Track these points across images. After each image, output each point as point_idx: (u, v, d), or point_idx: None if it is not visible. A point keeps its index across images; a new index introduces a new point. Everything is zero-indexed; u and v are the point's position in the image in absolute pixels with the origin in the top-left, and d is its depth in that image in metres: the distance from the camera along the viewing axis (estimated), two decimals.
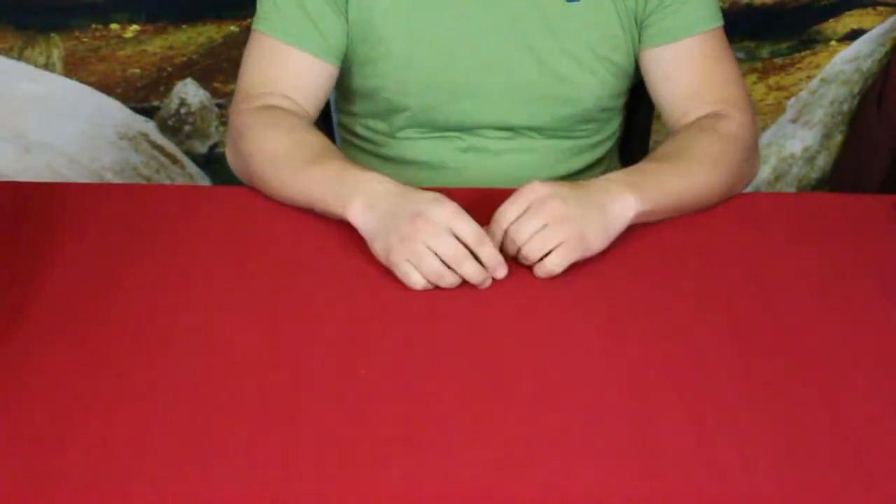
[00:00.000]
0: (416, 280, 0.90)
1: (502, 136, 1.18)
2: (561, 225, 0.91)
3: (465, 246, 0.89)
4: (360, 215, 0.93)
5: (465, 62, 1.12)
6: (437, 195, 0.91)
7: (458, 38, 1.11)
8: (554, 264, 0.91)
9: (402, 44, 1.11)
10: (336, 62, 1.12)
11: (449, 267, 0.90)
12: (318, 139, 1.03)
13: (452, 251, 0.89)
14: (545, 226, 0.91)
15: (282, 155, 1.01)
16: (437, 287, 0.91)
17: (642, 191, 0.96)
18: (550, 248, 0.91)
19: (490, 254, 0.90)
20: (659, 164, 1.01)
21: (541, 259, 0.92)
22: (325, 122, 1.35)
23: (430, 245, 0.88)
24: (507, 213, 0.92)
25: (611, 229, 0.94)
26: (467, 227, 0.89)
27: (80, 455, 0.74)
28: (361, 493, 0.72)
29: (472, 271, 0.90)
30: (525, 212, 0.92)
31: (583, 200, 0.92)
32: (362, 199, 0.93)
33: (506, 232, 0.93)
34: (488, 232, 0.92)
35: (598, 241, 0.93)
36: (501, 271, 0.91)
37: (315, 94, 1.11)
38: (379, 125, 1.20)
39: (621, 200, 0.94)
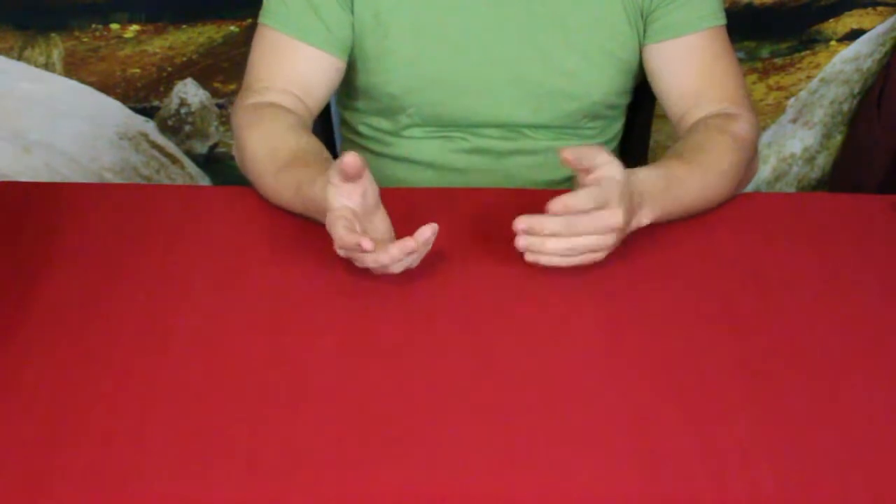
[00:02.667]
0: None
1: (507, 135, 1.17)
2: (604, 251, 0.90)
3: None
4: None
5: (471, 58, 1.11)
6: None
7: (465, 33, 1.11)
8: (560, 262, 0.89)
9: (408, 39, 1.11)
10: (342, 56, 1.11)
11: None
12: (294, 141, 1.02)
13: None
14: (596, 247, 0.89)
15: (259, 160, 1.02)
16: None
17: (659, 204, 0.95)
18: (585, 257, 0.90)
19: (347, 240, 0.85)
20: (686, 169, 0.99)
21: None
22: (325, 121, 1.35)
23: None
24: (581, 200, 0.87)
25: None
26: (337, 236, 0.86)
27: (80, 455, 0.74)
28: (361, 493, 0.72)
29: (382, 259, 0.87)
30: (593, 210, 0.87)
31: (629, 220, 0.90)
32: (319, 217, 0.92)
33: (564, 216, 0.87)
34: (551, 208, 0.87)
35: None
36: (367, 243, 0.84)
37: (319, 89, 1.11)
38: (383, 123, 1.19)
39: (641, 215, 0.93)
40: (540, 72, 1.12)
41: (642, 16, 1.12)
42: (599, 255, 0.91)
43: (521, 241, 0.88)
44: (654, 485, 0.73)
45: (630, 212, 0.90)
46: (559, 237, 0.88)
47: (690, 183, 0.99)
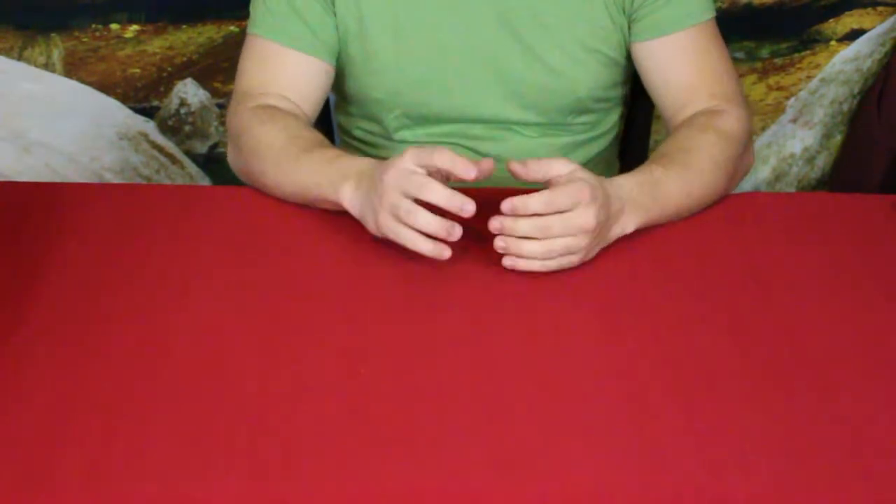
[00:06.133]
0: (415, 238, 0.88)
1: (496, 132, 1.17)
2: (581, 252, 0.90)
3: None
4: (349, 198, 0.94)
5: (453, 57, 1.12)
6: (404, 152, 0.89)
7: (447, 32, 1.11)
8: (540, 267, 0.91)
9: (389, 42, 1.11)
10: (330, 60, 1.12)
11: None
12: (312, 134, 1.04)
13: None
14: (573, 248, 0.90)
15: (277, 148, 1.02)
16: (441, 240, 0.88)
17: (644, 212, 0.96)
18: (564, 259, 0.91)
19: (446, 194, 0.86)
20: (667, 172, 0.99)
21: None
22: (325, 124, 1.35)
23: (406, 194, 0.87)
24: (560, 198, 0.88)
25: (606, 244, 0.95)
26: (413, 181, 0.87)
27: (80, 455, 0.74)
28: (361, 493, 0.72)
29: (425, 221, 0.87)
30: (570, 211, 0.88)
31: (603, 227, 0.92)
32: (351, 181, 0.94)
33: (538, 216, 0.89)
34: (523, 205, 0.88)
35: (592, 255, 0.94)
36: (470, 206, 0.86)
37: (312, 94, 1.12)
38: (374, 126, 1.20)
39: (623, 222, 0.95)
40: (523, 69, 1.12)
41: (624, 12, 1.12)
42: (575, 259, 0.91)
43: (499, 242, 0.90)
44: (654, 484, 0.73)
45: (606, 214, 0.91)
46: (535, 240, 0.89)
47: (672, 185, 0.99)
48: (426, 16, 1.11)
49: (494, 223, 0.89)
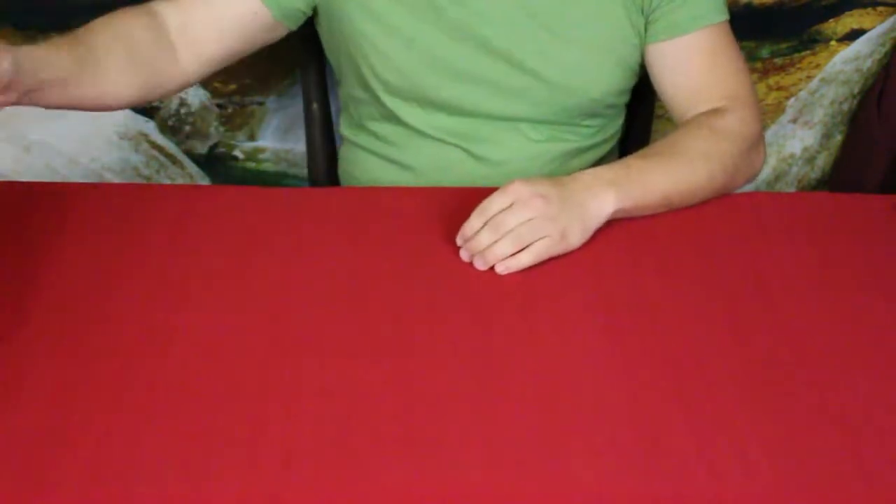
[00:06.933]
0: None
1: (503, 135, 1.17)
2: (545, 221, 0.93)
3: None
4: None
5: (468, 46, 1.11)
6: None
7: (463, 22, 1.11)
8: (529, 257, 0.93)
9: (405, 21, 1.11)
10: (277, 15, 1.11)
11: None
12: (102, 23, 1.09)
13: None
14: (531, 219, 0.93)
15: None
16: None
17: (622, 188, 0.98)
18: (536, 238, 0.93)
19: None
20: (644, 160, 1.02)
21: (513, 254, 0.94)
22: (325, 125, 1.35)
23: None
24: (493, 204, 0.94)
25: (588, 226, 0.97)
26: None
27: (80, 455, 0.74)
28: (361, 493, 0.73)
29: None
30: (510, 206, 0.94)
31: (564, 199, 0.95)
32: None
33: (486, 223, 0.94)
34: (467, 224, 0.95)
35: (576, 238, 0.96)
36: None
37: (223, 22, 1.10)
38: (383, 112, 1.19)
39: (600, 198, 0.97)
40: (538, 65, 1.12)
41: (643, 13, 1.12)
42: (550, 241, 0.93)
43: (478, 262, 0.95)
44: (654, 483, 0.73)
45: (556, 190, 0.94)
46: (499, 239, 0.93)
47: (653, 170, 1.01)
48: (443, 5, 1.10)
49: (463, 253, 0.96)
